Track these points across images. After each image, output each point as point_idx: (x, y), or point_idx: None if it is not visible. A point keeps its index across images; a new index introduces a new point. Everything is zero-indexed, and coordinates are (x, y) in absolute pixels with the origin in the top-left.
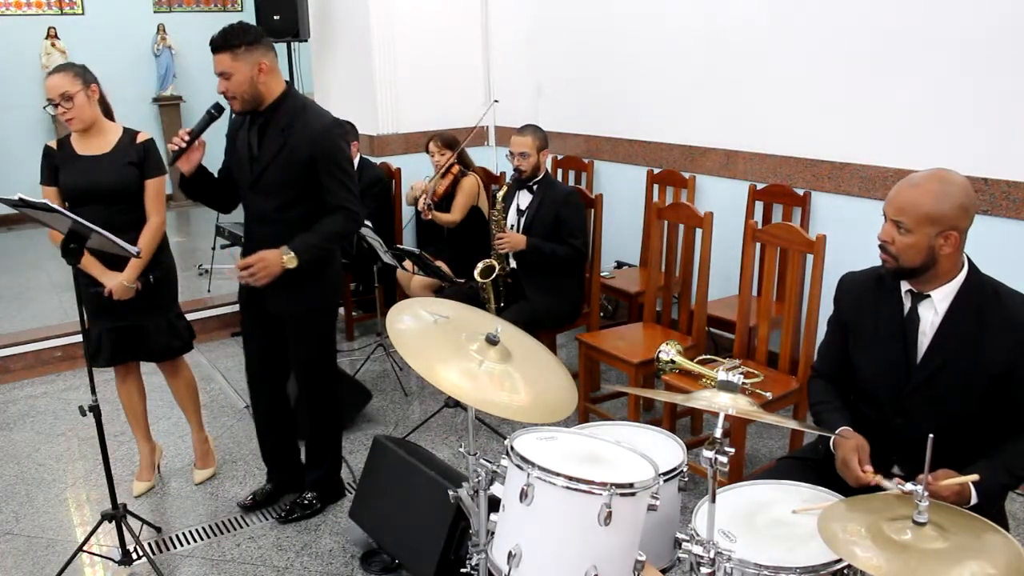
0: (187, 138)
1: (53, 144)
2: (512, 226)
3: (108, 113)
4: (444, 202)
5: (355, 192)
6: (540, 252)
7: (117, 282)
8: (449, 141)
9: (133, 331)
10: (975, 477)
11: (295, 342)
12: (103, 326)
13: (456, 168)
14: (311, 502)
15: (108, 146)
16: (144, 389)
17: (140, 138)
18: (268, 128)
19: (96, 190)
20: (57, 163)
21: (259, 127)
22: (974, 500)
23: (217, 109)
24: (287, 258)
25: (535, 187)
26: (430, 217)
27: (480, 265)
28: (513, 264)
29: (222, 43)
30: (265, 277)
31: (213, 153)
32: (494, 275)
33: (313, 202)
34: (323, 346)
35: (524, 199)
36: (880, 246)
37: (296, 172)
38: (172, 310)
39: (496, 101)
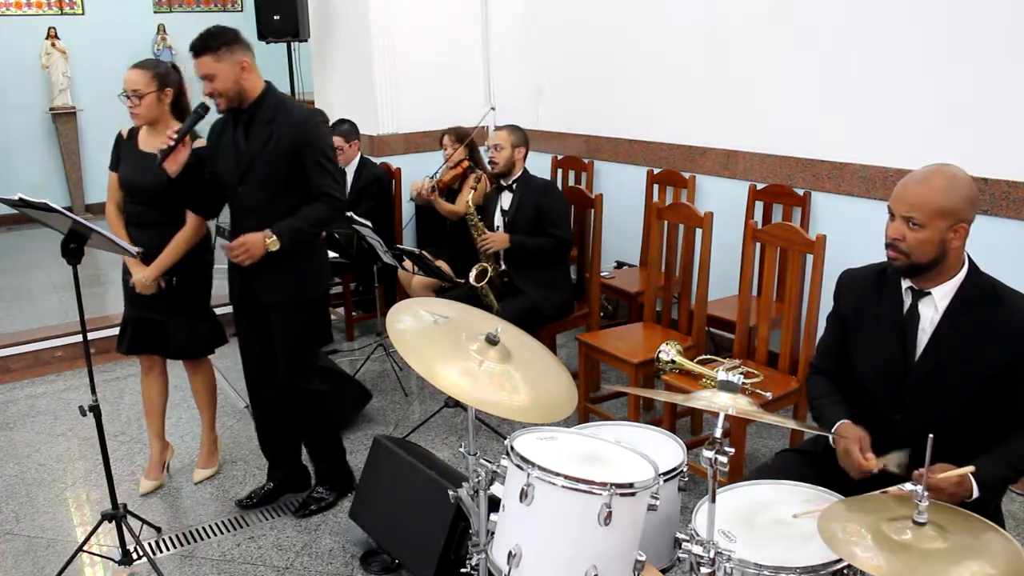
0: (175, 136)
1: (124, 132)
2: (498, 227)
3: (183, 113)
4: (449, 196)
5: (337, 179)
6: (525, 248)
7: (139, 276)
8: (463, 136)
9: (155, 325)
10: (972, 468)
11: (281, 332)
12: (131, 315)
13: (466, 163)
14: (324, 495)
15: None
16: (167, 387)
17: (196, 143)
18: (253, 124)
19: (142, 186)
20: (121, 153)
21: (244, 124)
22: (976, 493)
23: (203, 109)
24: (270, 241)
25: (514, 186)
26: (432, 198)
27: (474, 271)
28: (504, 265)
29: (203, 46)
30: (248, 258)
31: None
32: (488, 277)
33: (301, 194)
34: (304, 335)
35: (506, 200)
36: (889, 245)
37: (283, 163)
38: (197, 313)
39: (492, 108)
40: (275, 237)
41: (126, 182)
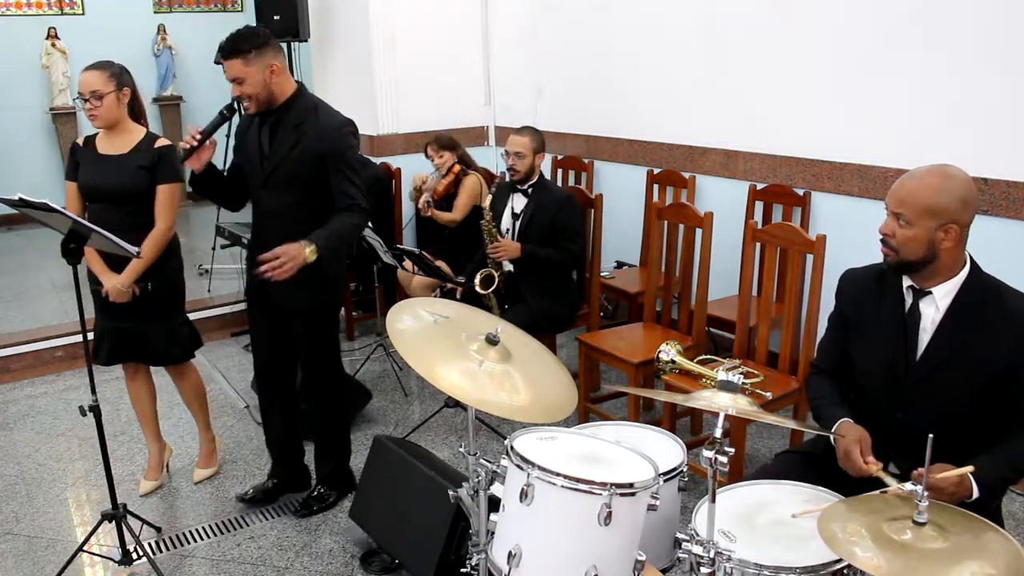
0: (199, 137)
1: (80, 140)
2: (507, 230)
3: (138, 115)
4: (446, 201)
5: (363, 190)
6: (535, 258)
7: (112, 284)
8: (446, 142)
9: (133, 333)
10: (971, 468)
11: (301, 336)
12: (106, 325)
13: (457, 167)
14: (325, 494)
15: (127, 147)
16: (154, 389)
17: (158, 143)
18: (279, 126)
19: (106, 189)
20: (79, 159)
21: (270, 125)
22: (976, 493)
23: (229, 110)
24: (309, 250)
25: (530, 190)
26: (429, 214)
27: (479, 276)
28: (509, 267)
29: (232, 50)
30: (292, 267)
31: (219, 150)
32: (495, 285)
33: (322, 199)
34: (328, 340)
35: (519, 202)
36: (881, 239)
37: (306, 169)
38: (175, 318)
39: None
40: (313, 246)
41: (89, 186)
